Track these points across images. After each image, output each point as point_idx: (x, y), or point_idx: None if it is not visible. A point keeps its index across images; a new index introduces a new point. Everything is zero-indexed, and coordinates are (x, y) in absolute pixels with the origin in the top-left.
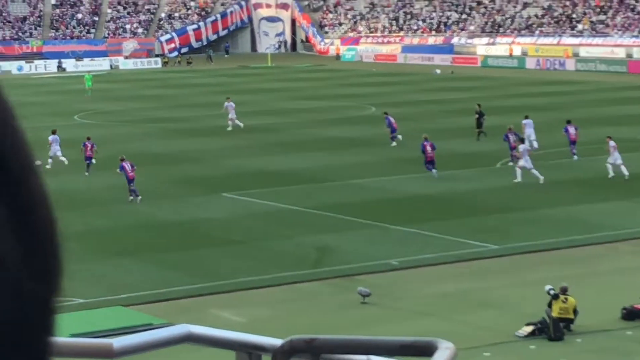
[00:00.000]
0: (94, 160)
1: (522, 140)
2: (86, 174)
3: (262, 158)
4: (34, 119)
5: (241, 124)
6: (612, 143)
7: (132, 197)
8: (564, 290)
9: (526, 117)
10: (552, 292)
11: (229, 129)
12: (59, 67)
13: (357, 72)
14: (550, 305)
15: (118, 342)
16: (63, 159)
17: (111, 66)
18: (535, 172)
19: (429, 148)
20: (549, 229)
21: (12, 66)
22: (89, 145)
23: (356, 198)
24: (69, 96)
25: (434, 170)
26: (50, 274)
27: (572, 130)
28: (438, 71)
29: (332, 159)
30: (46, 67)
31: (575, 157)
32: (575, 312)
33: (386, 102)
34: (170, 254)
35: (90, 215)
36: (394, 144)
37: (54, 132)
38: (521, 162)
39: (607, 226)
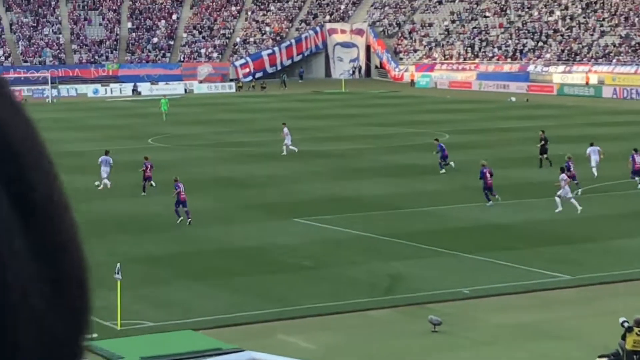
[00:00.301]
0: (153, 183)
1: (562, 170)
2: (143, 194)
3: (334, 184)
4: (109, 142)
5: (295, 149)
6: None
7: (181, 218)
8: (638, 323)
9: (591, 144)
10: (626, 324)
11: (284, 153)
12: (134, 90)
13: (431, 98)
14: (624, 337)
15: None
16: (107, 182)
17: (185, 90)
18: (573, 201)
19: (488, 175)
20: (623, 260)
21: (88, 89)
22: (149, 165)
23: (428, 226)
24: (144, 119)
25: (494, 198)
26: (77, 313)
27: (638, 159)
28: (513, 99)
29: (404, 186)
30: (121, 91)
31: None
32: None
33: (460, 129)
34: (240, 278)
35: (162, 239)
36: (443, 171)
37: (106, 153)
38: (560, 192)
39: None
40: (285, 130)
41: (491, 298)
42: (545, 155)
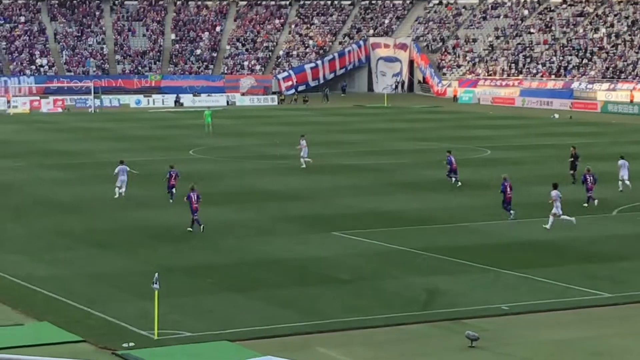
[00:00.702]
0: (174, 190)
1: (554, 186)
2: (170, 201)
3: (374, 197)
4: (151, 152)
5: (310, 160)
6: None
7: (192, 228)
8: None
9: (621, 158)
10: None
11: (303, 166)
12: (177, 101)
13: (474, 114)
14: None
15: None
16: (121, 190)
17: (228, 102)
18: (565, 217)
19: (508, 189)
20: None
21: (130, 99)
22: (173, 174)
23: (468, 241)
24: (186, 131)
25: (512, 212)
26: None
27: None
28: (556, 116)
29: (445, 201)
30: (164, 102)
31: None
32: None
33: (502, 145)
34: (278, 290)
35: (200, 249)
36: (456, 182)
37: (121, 162)
38: (554, 210)
39: None
40: (303, 142)
41: (530, 315)
42: (574, 172)
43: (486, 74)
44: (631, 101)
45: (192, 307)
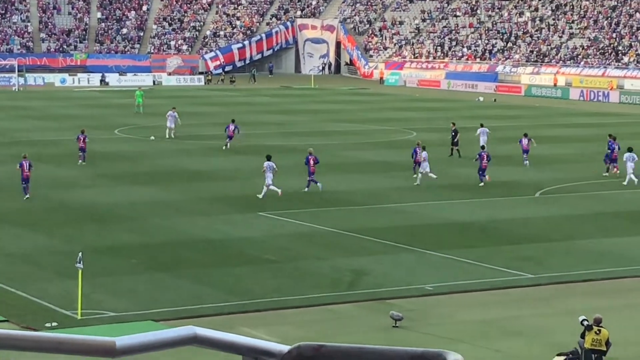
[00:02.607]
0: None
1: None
2: (82, 162)
3: (300, 179)
4: (75, 131)
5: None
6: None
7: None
8: (597, 322)
9: (481, 126)
10: (585, 322)
11: (167, 137)
12: (102, 81)
13: (399, 96)
14: (583, 336)
15: (121, 340)
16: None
17: (154, 82)
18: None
19: (485, 157)
20: (584, 260)
21: (55, 78)
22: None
23: (393, 222)
24: (112, 110)
25: (482, 182)
26: None
27: (615, 146)
28: (481, 99)
29: (371, 182)
30: (89, 81)
31: (617, 171)
32: (607, 344)
33: (427, 127)
34: (203, 270)
35: (125, 229)
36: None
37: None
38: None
39: None
40: (170, 113)
41: (453, 295)
42: (456, 147)
43: (412, 57)
44: (555, 85)
45: (116, 286)
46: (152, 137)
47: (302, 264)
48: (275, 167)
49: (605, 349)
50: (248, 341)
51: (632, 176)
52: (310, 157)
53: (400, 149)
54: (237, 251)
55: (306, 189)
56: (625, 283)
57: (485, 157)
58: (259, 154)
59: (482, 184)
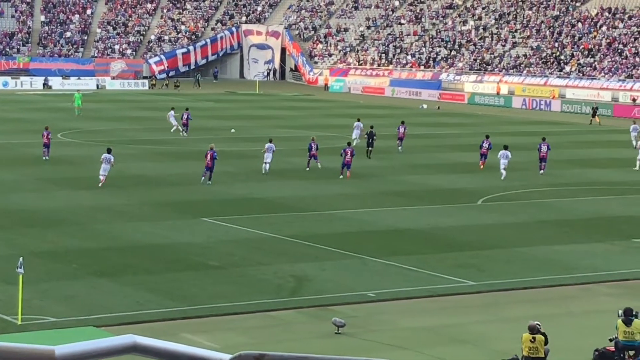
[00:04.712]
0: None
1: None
2: (46, 158)
3: (245, 185)
4: (18, 135)
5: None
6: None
7: None
8: (532, 330)
9: (358, 120)
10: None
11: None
12: (45, 84)
13: (344, 103)
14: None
15: (60, 349)
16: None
17: (98, 86)
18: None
19: (349, 153)
20: (525, 268)
21: None
22: (46, 134)
23: (337, 229)
24: (54, 114)
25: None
26: None
27: (544, 148)
28: (424, 106)
29: (315, 189)
30: (32, 84)
31: (542, 172)
32: (546, 351)
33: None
34: (146, 276)
35: (67, 234)
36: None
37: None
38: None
39: (583, 267)
40: (185, 114)
41: (396, 302)
42: (370, 149)
43: (357, 64)
44: (497, 93)
45: (58, 292)
46: (233, 130)
47: (245, 270)
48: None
49: (543, 355)
50: (188, 350)
51: (504, 172)
52: (348, 149)
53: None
54: (180, 257)
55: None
56: (566, 290)
57: (349, 153)
58: (203, 159)
59: (341, 176)
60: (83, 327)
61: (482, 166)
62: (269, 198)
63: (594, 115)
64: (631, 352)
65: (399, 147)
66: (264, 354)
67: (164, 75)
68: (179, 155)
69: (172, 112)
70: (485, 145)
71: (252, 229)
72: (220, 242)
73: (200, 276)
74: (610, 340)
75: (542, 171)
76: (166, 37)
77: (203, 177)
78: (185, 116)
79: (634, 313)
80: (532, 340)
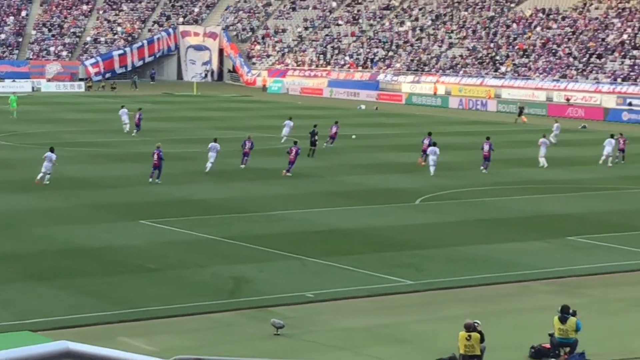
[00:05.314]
0: None
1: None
2: None
3: (182, 186)
4: None
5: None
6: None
7: None
8: (467, 328)
9: (289, 118)
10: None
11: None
12: None
13: (282, 104)
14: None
15: None
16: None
17: (33, 88)
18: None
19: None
20: (463, 266)
21: None
22: None
23: (275, 230)
24: None
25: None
26: None
27: (486, 147)
28: (363, 107)
29: (253, 190)
30: None
31: (484, 170)
32: (482, 349)
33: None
34: (83, 279)
35: (2, 238)
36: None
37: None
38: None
39: (520, 265)
40: (138, 115)
41: (335, 302)
42: (313, 148)
43: (295, 65)
44: (434, 93)
45: None
46: (354, 136)
47: (183, 272)
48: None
49: (479, 353)
50: (122, 355)
51: (432, 168)
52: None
53: (282, 157)
54: (117, 259)
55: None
56: (504, 288)
57: (294, 152)
58: (139, 161)
59: (289, 174)
60: (18, 332)
61: (422, 163)
62: (208, 199)
63: (520, 114)
64: (566, 349)
65: (327, 144)
66: (199, 359)
67: (100, 77)
68: (117, 158)
69: (124, 109)
70: (426, 142)
71: (191, 230)
72: (158, 245)
73: (137, 279)
74: (550, 335)
75: (485, 170)
76: (102, 39)
77: (151, 177)
78: (137, 116)
79: (570, 311)
80: (468, 338)
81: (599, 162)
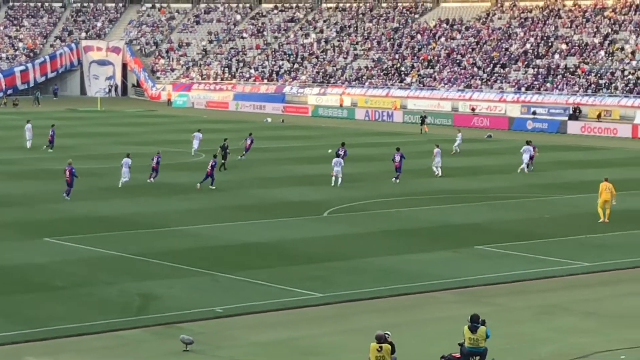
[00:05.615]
0: None
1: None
2: None
3: (88, 202)
4: None
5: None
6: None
7: None
8: (378, 339)
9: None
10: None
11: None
12: None
13: (188, 118)
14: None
15: None
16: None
17: None
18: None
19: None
20: (372, 278)
21: None
22: None
23: (185, 245)
24: None
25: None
26: None
27: (397, 157)
28: (269, 119)
29: (162, 205)
30: None
31: (396, 180)
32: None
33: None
34: None
35: None
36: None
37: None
38: None
39: (429, 275)
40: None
41: (245, 316)
42: (224, 161)
43: (200, 78)
44: (340, 105)
45: None
46: (330, 150)
47: (90, 290)
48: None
49: None
50: None
51: (338, 178)
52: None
53: (189, 171)
54: (22, 278)
55: None
56: (413, 299)
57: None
58: (45, 178)
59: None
60: None
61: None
62: (115, 215)
63: (422, 124)
64: (476, 358)
65: (241, 157)
66: None
67: (1, 94)
68: (21, 175)
69: (29, 124)
70: (397, 157)
71: (97, 247)
72: (65, 262)
73: (44, 297)
74: (459, 345)
75: (397, 180)
76: (3, 55)
77: (65, 194)
78: (50, 132)
79: (480, 320)
80: (379, 349)
81: (517, 170)
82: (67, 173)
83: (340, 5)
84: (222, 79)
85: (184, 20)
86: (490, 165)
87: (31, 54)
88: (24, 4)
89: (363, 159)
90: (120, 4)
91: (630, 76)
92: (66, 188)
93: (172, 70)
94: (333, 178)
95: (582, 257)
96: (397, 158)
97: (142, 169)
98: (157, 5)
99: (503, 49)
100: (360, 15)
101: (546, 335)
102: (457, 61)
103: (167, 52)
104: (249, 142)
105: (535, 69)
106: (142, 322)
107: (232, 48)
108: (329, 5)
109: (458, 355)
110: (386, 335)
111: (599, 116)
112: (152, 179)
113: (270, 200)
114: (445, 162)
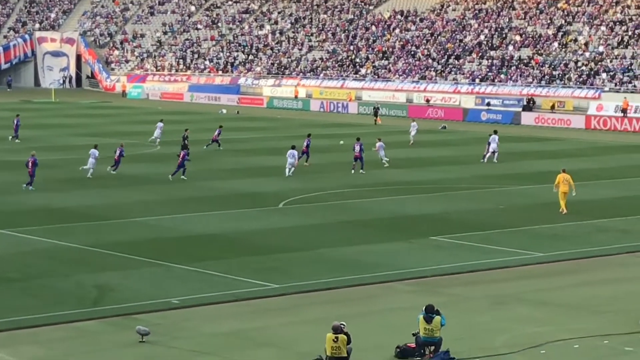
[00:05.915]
0: None
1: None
2: None
3: (44, 194)
4: None
5: None
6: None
7: None
8: (335, 330)
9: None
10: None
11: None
12: None
13: (142, 109)
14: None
15: None
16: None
17: None
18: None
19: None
20: (328, 269)
21: None
22: None
23: (139, 236)
24: None
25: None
26: None
27: (357, 147)
28: (224, 111)
29: (117, 197)
30: None
31: (361, 171)
32: (348, 350)
33: (170, 140)
34: None
35: None
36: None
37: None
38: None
39: (384, 266)
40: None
41: (201, 307)
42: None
43: (155, 70)
44: (295, 97)
45: None
46: (342, 142)
47: (46, 282)
48: None
49: (346, 354)
50: None
51: (290, 171)
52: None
53: (145, 162)
54: None
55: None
56: (368, 290)
57: (181, 156)
58: (1, 170)
59: (183, 177)
60: None
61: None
62: (69, 207)
63: (375, 115)
64: (431, 348)
65: (207, 147)
66: None
67: None
68: None
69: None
70: (357, 148)
71: (52, 239)
72: (20, 254)
73: None
74: (414, 334)
75: (361, 170)
76: None
77: (27, 184)
78: (15, 122)
79: (435, 310)
80: (335, 340)
81: (482, 160)
82: (30, 164)
83: None
84: (176, 71)
85: (138, 12)
86: (445, 156)
87: None
88: None
89: (317, 150)
90: None
91: (584, 67)
92: (29, 179)
93: (127, 61)
94: (287, 169)
95: (536, 248)
96: (357, 148)
97: (100, 161)
98: None
99: (457, 41)
100: (315, 7)
101: (500, 325)
102: (412, 52)
103: (121, 43)
104: (217, 133)
105: (490, 60)
106: (98, 313)
107: (186, 39)
108: None
109: (413, 345)
110: (342, 326)
111: (552, 107)
112: (112, 170)
113: (226, 191)
114: (400, 153)
